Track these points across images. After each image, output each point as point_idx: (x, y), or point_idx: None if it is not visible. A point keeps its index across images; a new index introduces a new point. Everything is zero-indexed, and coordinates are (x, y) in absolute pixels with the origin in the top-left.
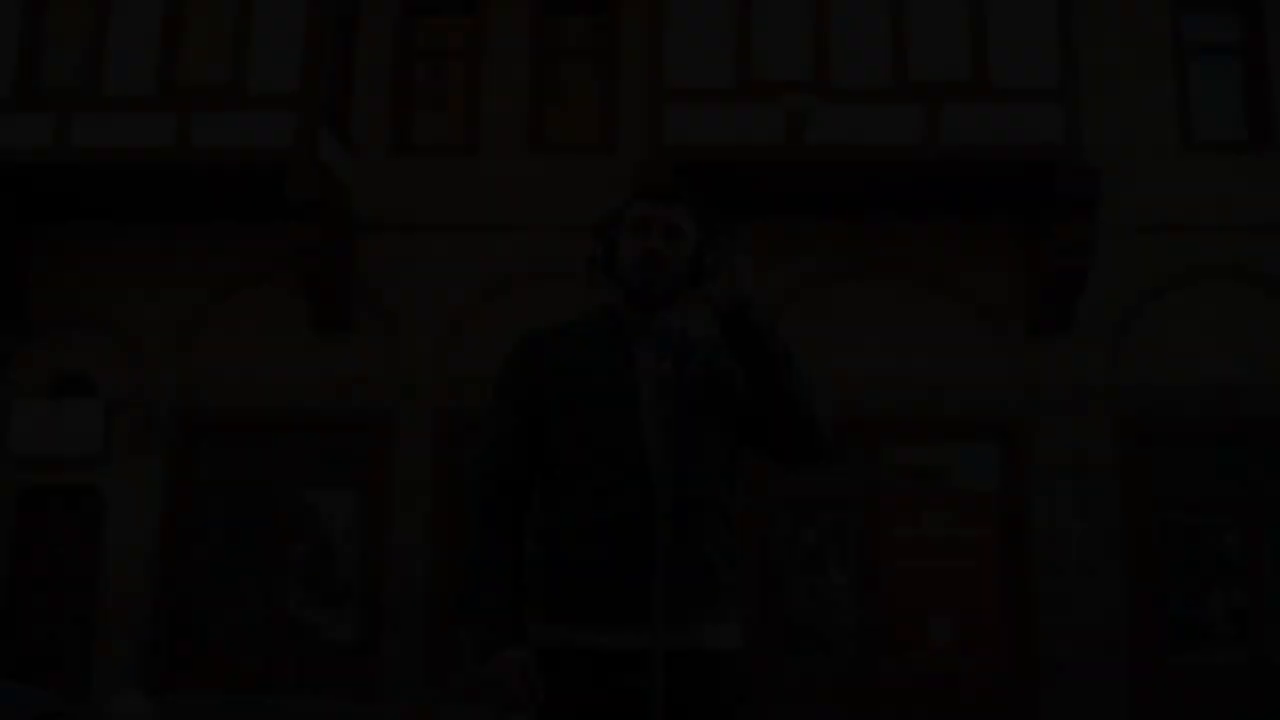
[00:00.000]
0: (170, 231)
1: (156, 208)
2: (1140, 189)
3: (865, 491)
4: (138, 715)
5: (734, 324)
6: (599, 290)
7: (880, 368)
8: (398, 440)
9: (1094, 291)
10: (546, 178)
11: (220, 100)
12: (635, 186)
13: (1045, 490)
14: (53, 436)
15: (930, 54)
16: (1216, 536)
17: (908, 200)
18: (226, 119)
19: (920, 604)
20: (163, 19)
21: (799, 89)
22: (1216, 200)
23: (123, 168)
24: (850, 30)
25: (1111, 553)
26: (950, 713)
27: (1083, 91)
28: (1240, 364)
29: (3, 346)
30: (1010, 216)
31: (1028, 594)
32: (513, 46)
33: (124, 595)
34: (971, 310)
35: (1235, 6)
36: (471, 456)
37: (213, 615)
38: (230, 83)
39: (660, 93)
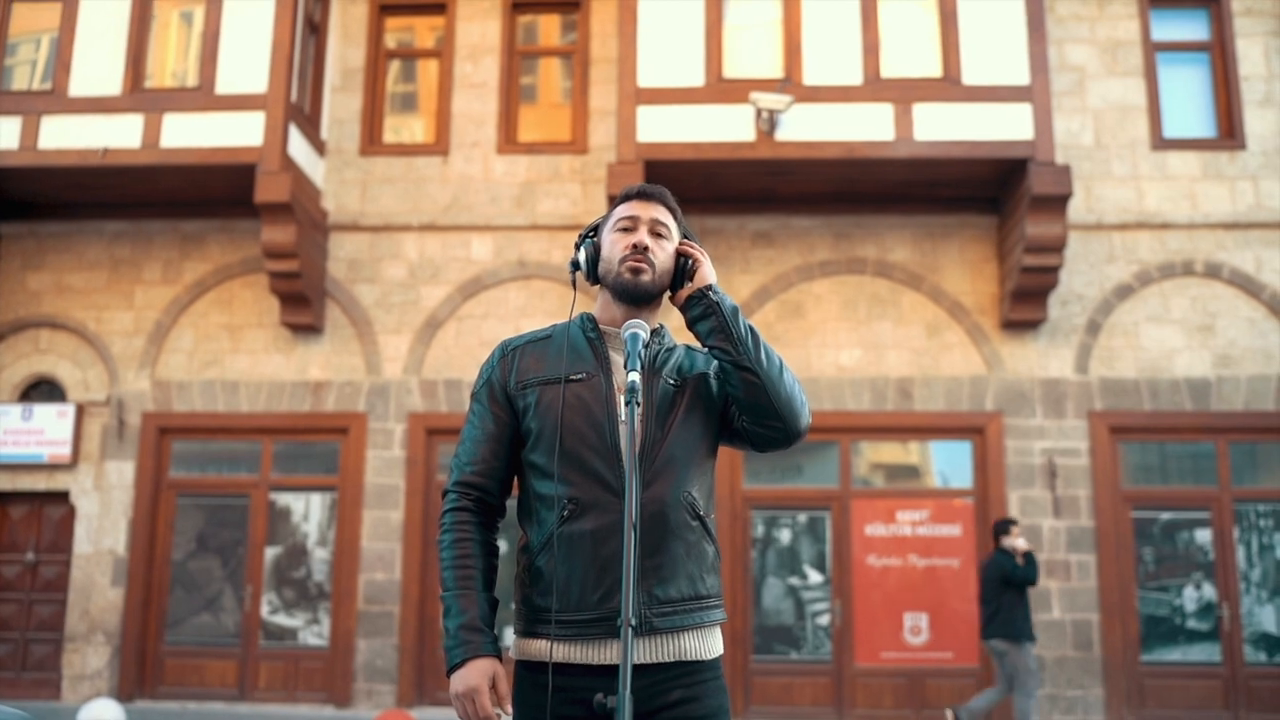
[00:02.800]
0: (140, 233)
1: (126, 210)
2: (1111, 186)
3: (839, 489)
4: None
5: (698, 303)
6: (576, 295)
7: (853, 365)
8: (370, 442)
9: (1065, 288)
10: (518, 178)
11: (189, 102)
12: (620, 192)
13: (1018, 487)
14: (22, 440)
15: (901, 52)
16: (1189, 532)
17: (879, 198)
18: (195, 121)
19: (894, 602)
20: (130, 21)
21: (770, 87)
22: (1186, 197)
23: (91, 170)
24: (821, 29)
25: (1084, 549)
26: (923, 710)
27: (1053, 90)
28: (1211, 359)
29: None
30: (982, 214)
31: None
32: (483, 45)
33: (95, 600)
34: (944, 308)
35: (1202, 6)
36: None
37: (185, 620)
38: (199, 84)
39: (632, 93)
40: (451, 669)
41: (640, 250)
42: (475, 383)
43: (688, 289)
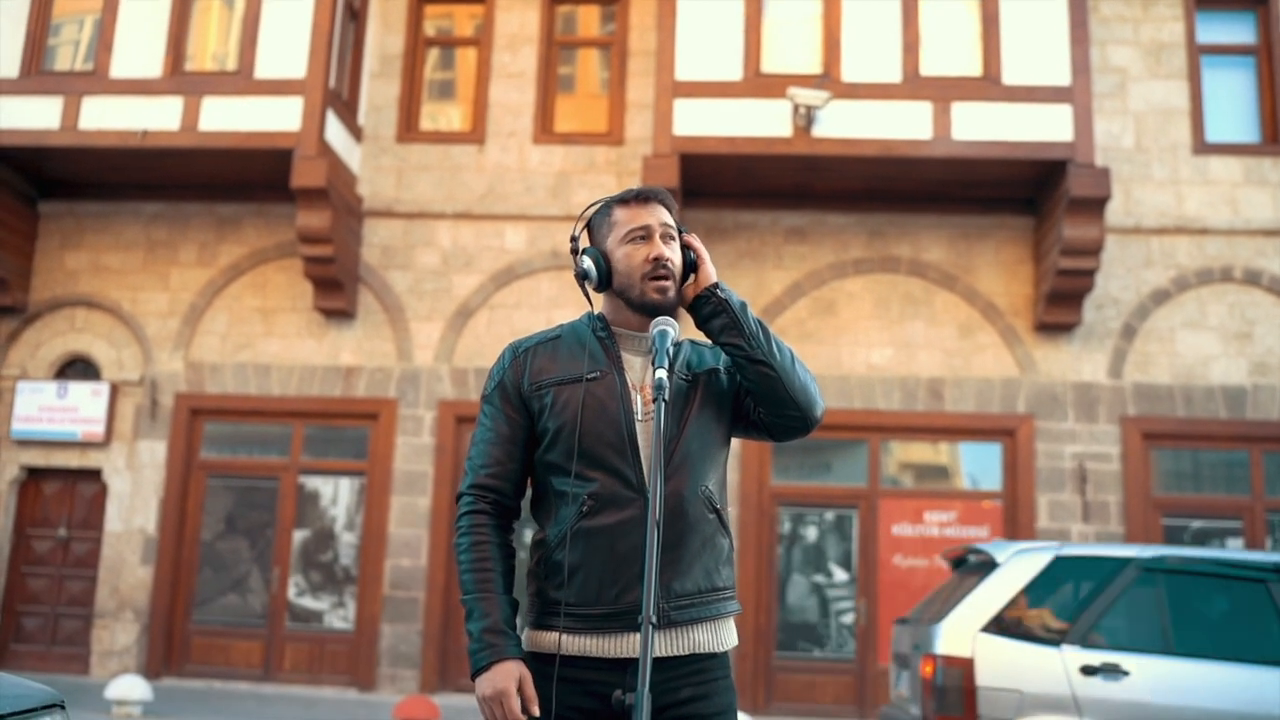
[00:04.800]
0: (177, 215)
1: (163, 191)
2: (1150, 190)
3: (867, 488)
4: (137, 700)
5: (707, 302)
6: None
7: (884, 364)
8: (400, 429)
9: (1101, 292)
10: (554, 168)
11: (228, 86)
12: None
13: (1047, 491)
14: (56, 417)
15: (941, 51)
16: (1220, 541)
17: (915, 197)
18: (234, 104)
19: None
20: (172, 4)
21: (809, 83)
22: (1227, 202)
23: (130, 151)
24: (861, 26)
25: None
26: None
27: (1094, 91)
28: (1247, 367)
29: (7, 327)
30: (1018, 215)
31: None
32: (522, 35)
33: (125, 578)
34: (977, 308)
35: (1249, 9)
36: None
37: (213, 600)
38: (238, 68)
39: (669, 85)
40: (477, 672)
41: (663, 265)
42: (486, 385)
43: (693, 287)
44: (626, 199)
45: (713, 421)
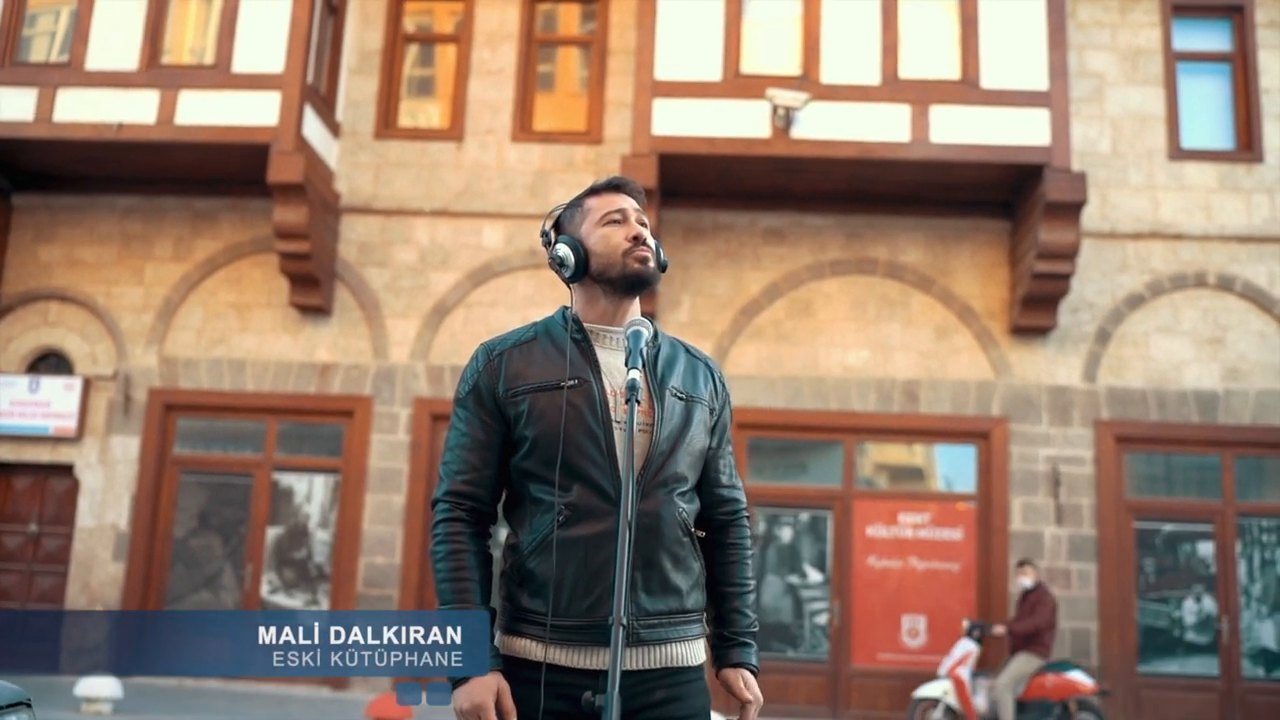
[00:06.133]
0: (152, 209)
1: (139, 185)
2: (1126, 195)
3: (842, 489)
4: (106, 698)
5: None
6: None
7: (860, 365)
8: (375, 426)
9: (1076, 296)
10: (532, 166)
11: (205, 79)
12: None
13: (1021, 493)
14: (28, 412)
15: (920, 54)
16: (1191, 545)
17: (893, 199)
18: (211, 99)
19: (892, 603)
20: None
21: (788, 84)
22: (1201, 208)
23: (105, 144)
24: (840, 28)
25: (1085, 558)
26: None
27: (1071, 96)
28: (1219, 372)
29: None
30: (995, 219)
31: (1000, 597)
32: (501, 32)
33: (96, 574)
34: (953, 311)
35: (1225, 17)
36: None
37: (185, 597)
38: (215, 62)
39: (648, 85)
40: (455, 684)
41: (643, 241)
42: (459, 388)
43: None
44: (598, 189)
45: (699, 453)
